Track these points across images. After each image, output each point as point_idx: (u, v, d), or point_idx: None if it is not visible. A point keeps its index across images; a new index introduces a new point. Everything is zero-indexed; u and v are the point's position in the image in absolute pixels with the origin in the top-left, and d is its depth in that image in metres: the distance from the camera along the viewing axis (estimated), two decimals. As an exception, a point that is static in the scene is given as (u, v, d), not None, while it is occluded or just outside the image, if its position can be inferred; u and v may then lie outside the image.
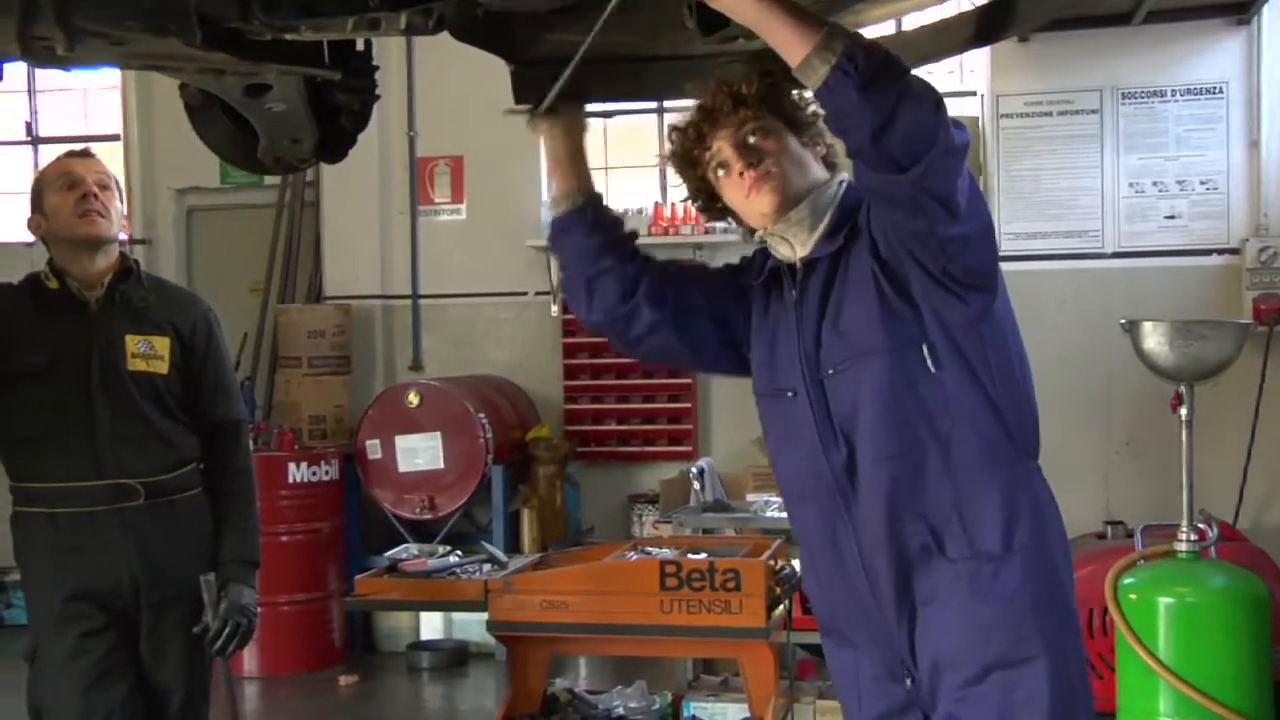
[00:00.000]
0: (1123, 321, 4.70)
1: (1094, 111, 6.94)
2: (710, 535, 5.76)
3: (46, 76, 8.90)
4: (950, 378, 2.27)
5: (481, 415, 6.99)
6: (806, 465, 2.37)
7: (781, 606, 4.32)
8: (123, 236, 3.53)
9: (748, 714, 4.57)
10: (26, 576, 3.42)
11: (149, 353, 3.37)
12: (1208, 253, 6.86)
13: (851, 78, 2.03)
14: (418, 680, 6.99)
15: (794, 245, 2.39)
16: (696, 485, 6.19)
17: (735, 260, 2.61)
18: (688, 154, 2.47)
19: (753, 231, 2.46)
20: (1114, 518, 5.94)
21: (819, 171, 2.41)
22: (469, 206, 8.04)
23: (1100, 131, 6.93)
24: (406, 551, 4.82)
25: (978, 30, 2.70)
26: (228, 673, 3.50)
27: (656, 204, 7.60)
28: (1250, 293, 6.66)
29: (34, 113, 8.96)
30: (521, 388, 7.80)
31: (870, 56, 2.04)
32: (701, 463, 6.42)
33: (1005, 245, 6.88)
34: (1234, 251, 6.80)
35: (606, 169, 7.72)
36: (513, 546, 6.84)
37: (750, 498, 6.26)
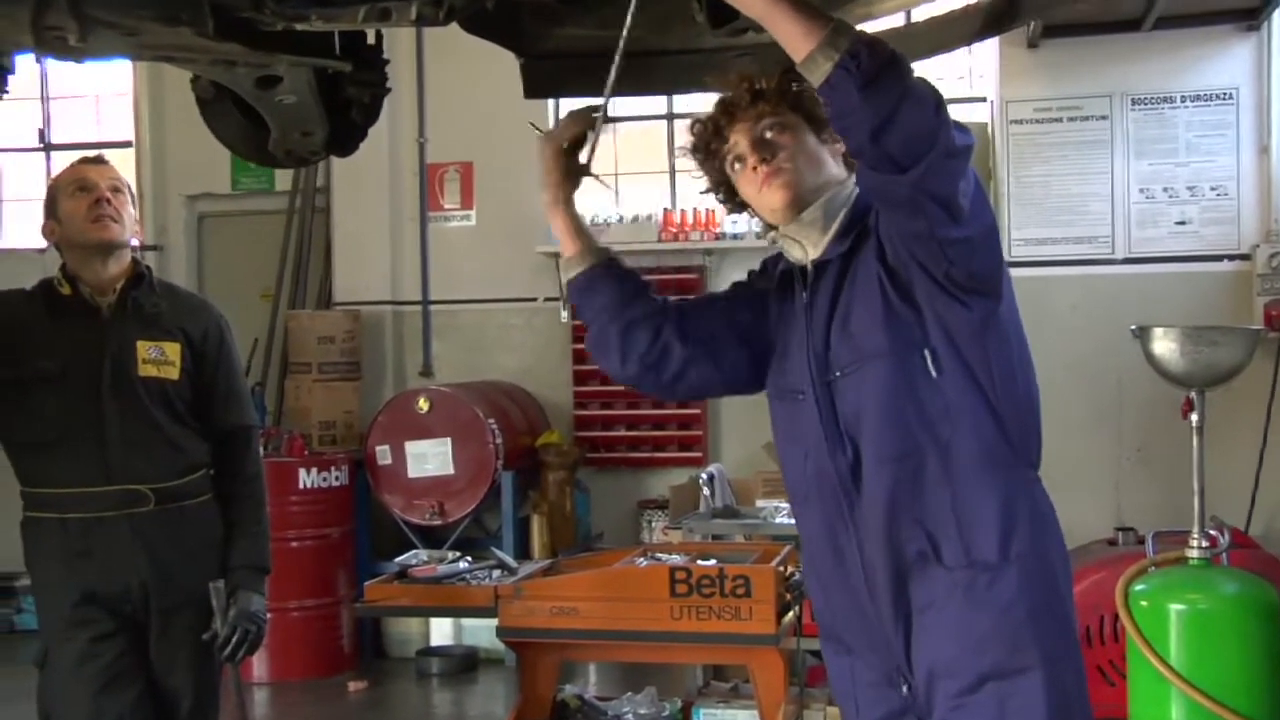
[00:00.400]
0: (1133, 327, 4.68)
1: (1104, 117, 6.93)
2: (720, 541, 5.75)
3: (59, 83, 8.95)
4: (952, 384, 2.27)
5: (491, 421, 7.00)
6: (813, 467, 2.37)
7: (791, 613, 4.31)
8: (135, 242, 3.54)
9: (757, 720, 4.56)
10: (37, 581, 3.43)
11: (160, 358, 3.38)
12: (1218, 258, 6.85)
13: (854, 75, 2.02)
14: (427, 686, 6.99)
15: (805, 247, 2.40)
16: (706, 491, 6.18)
17: (743, 268, 2.61)
18: (707, 146, 2.47)
19: (771, 228, 2.47)
20: (1125, 524, 5.93)
21: (836, 170, 2.40)
22: (479, 212, 8.05)
23: (1110, 137, 6.93)
24: (416, 557, 4.81)
25: (986, 21, 2.70)
26: (237, 679, 3.50)
27: (666, 210, 7.59)
28: (1261, 298, 6.65)
29: (47, 119, 9.01)
30: (531, 393, 7.81)
31: (874, 55, 2.03)
32: (711, 469, 6.42)
33: (1015, 251, 6.88)
34: (1245, 257, 6.79)
35: (617, 175, 7.71)
36: (522, 552, 6.84)
37: (760, 504, 6.24)
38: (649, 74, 2.80)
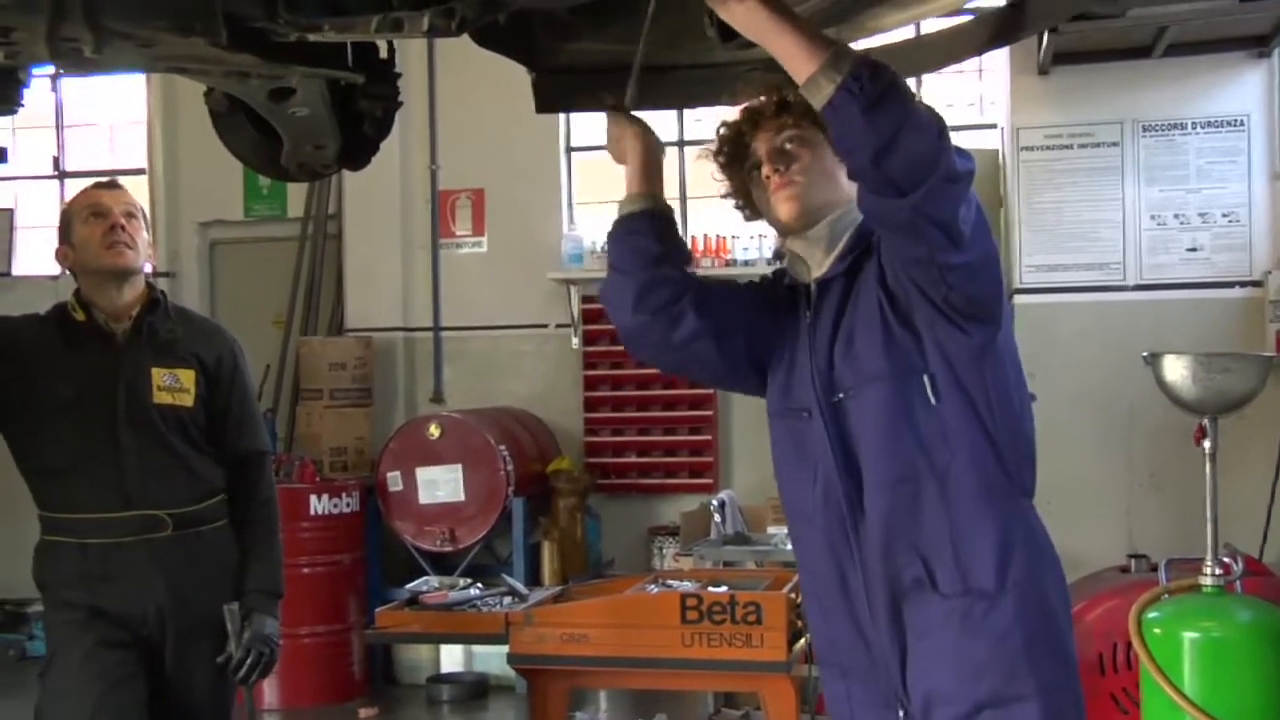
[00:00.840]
0: (1145, 354, 4.68)
1: (1115, 144, 6.93)
2: (731, 568, 5.74)
3: (73, 111, 9.01)
4: (950, 411, 2.28)
5: (502, 447, 7.00)
6: (821, 488, 2.37)
7: (803, 640, 4.30)
8: (149, 268, 3.55)
9: (769, 748, 4.54)
10: (50, 598, 3.39)
11: (174, 386, 3.39)
12: (1230, 285, 6.83)
13: (856, 98, 2.04)
14: (438, 713, 6.98)
15: (810, 265, 2.42)
16: (717, 518, 6.18)
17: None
18: (730, 151, 2.50)
19: (781, 245, 2.50)
20: (1137, 551, 5.90)
21: (849, 189, 2.38)
22: (490, 239, 8.08)
23: (1121, 164, 6.92)
24: (427, 584, 4.82)
25: (994, 31, 2.73)
26: (251, 703, 3.50)
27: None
28: (1273, 325, 6.62)
29: (61, 147, 9.07)
30: (542, 420, 7.81)
31: (876, 79, 2.05)
32: (722, 495, 6.42)
33: (1027, 278, 6.87)
34: (1256, 284, 6.77)
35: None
36: (533, 579, 6.84)
37: (771, 530, 6.24)
38: (660, 88, 2.82)
